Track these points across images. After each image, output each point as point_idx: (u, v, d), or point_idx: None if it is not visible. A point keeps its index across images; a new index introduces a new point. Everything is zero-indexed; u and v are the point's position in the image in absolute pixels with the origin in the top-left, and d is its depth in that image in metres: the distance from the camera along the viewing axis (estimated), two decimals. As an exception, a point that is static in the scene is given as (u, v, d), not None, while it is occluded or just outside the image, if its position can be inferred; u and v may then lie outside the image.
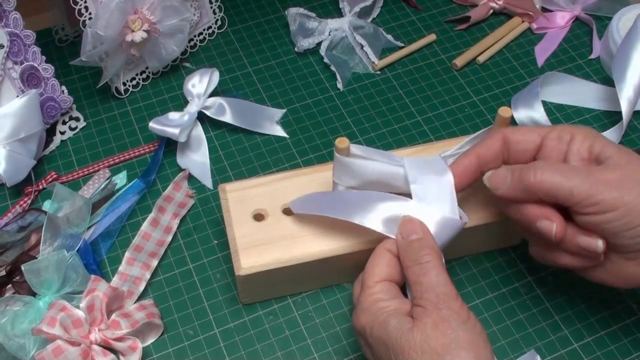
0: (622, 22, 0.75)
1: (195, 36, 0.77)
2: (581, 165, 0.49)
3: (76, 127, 0.71)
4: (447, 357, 0.44)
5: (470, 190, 0.56)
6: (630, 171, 0.47)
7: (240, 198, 0.59)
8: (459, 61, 0.76)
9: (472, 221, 0.56)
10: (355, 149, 0.54)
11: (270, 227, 0.57)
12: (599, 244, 0.48)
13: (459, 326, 0.46)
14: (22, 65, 0.64)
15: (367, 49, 0.76)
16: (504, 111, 0.54)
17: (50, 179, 0.66)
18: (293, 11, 0.78)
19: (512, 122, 0.69)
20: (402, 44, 0.78)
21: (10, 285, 0.58)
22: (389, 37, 0.78)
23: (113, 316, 0.55)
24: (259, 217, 0.58)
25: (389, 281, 0.50)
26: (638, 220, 0.46)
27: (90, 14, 0.66)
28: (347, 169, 0.54)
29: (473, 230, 0.57)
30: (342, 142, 0.53)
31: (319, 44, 0.77)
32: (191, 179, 0.67)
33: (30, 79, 0.65)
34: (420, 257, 0.49)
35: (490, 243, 0.62)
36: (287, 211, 0.59)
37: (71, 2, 0.65)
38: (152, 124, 0.67)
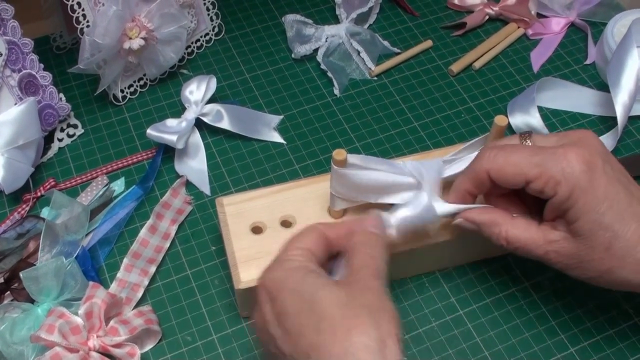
0: (616, 28, 0.75)
1: (192, 43, 0.77)
2: None
3: (74, 134, 0.71)
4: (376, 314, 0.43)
5: None
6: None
7: (238, 211, 0.59)
8: (455, 67, 0.77)
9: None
10: (353, 158, 0.53)
11: (268, 239, 0.57)
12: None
13: (382, 295, 0.45)
14: (20, 73, 0.65)
15: (363, 55, 0.76)
16: (499, 120, 0.54)
17: (48, 186, 0.66)
18: (290, 18, 0.78)
19: (509, 129, 0.70)
20: (399, 50, 0.79)
21: (8, 293, 0.58)
22: (386, 43, 0.78)
23: (111, 323, 0.55)
24: (257, 230, 0.58)
25: (311, 252, 0.48)
26: (566, 189, 0.47)
27: (88, 21, 0.66)
28: (344, 180, 0.54)
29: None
30: (339, 154, 0.52)
31: (315, 51, 0.77)
32: (189, 185, 0.67)
33: (28, 86, 0.66)
34: (372, 244, 0.48)
35: (473, 254, 0.62)
36: (285, 223, 0.59)
37: (69, 10, 0.65)
38: (150, 131, 0.67)
